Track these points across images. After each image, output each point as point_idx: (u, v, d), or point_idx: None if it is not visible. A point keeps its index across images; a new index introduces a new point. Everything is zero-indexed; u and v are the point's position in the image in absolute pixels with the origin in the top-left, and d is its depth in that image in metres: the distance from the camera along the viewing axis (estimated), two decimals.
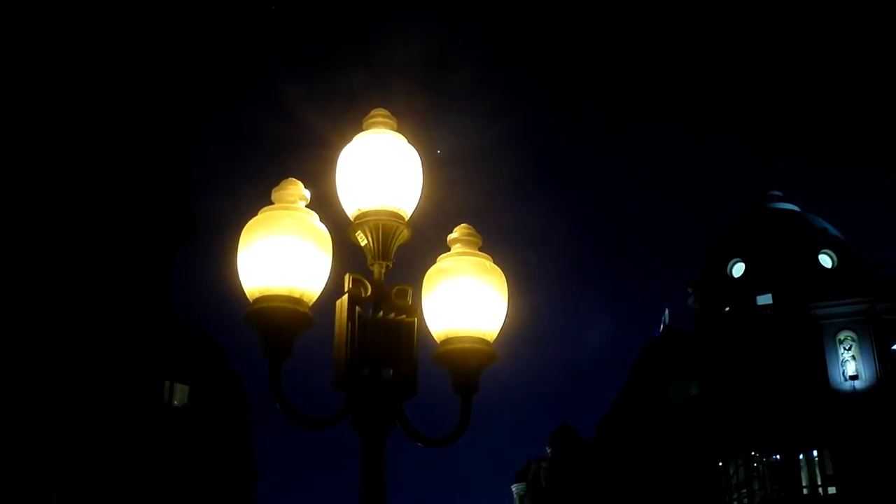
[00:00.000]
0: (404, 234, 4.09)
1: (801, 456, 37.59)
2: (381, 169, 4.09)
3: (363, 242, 4.08)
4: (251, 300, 3.78)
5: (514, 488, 69.38)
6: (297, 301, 3.74)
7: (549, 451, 60.67)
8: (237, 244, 3.90)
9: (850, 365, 37.64)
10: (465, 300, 3.96)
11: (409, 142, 4.25)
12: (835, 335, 38.12)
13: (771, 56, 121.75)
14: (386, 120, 4.24)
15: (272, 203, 3.94)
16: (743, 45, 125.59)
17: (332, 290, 3.94)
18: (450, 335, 3.96)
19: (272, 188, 3.98)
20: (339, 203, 4.18)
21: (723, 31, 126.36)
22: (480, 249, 4.11)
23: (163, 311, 23.27)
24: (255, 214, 3.93)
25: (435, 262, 4.11)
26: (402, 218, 4.09)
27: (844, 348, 37.98)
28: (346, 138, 4.26)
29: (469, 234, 4.11)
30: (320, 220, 3.98)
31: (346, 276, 3.93)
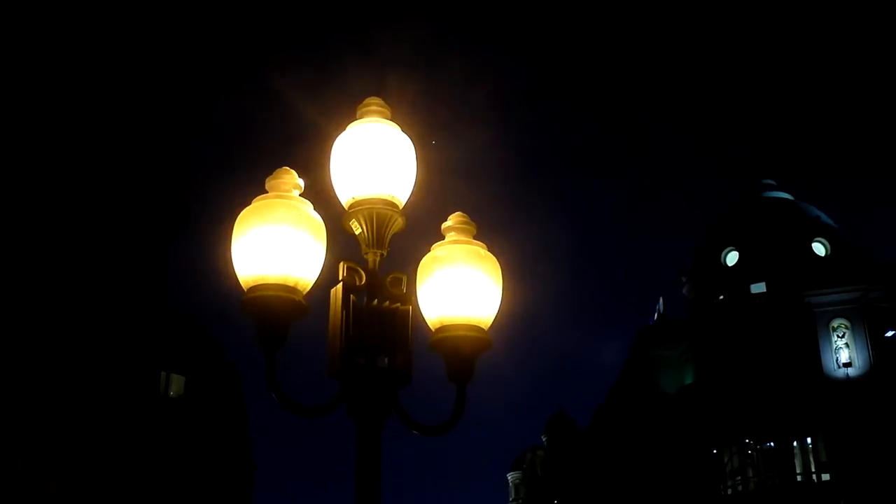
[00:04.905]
0: (398, 222, 4.09)
1: (794, 443, 37.76)
2: (375, 157, 4.08)
3: (357, 231, 4.07)
4: (245, 289, 3.77)
5: (509, 476, 69.65)
6: (292, 289, 3.74)
7: (544, 439, 60.89)
8: (232, 234, 3.90)
9: (844, 352, 37.78)
10: (460, 288, 3.96)
11: (403, 130, 4.24)
12: (828, 323, 38.25)
13: (764, 47, 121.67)
14: (380, 108, 4.23)
15: (266, 192, 3.93)
16: (736, 36, 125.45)
17: (327, 278, 3.94)
18: (444, 323, 3.96)
19: (266, 177, 3.97)
20: (334, 192, 4.17)
21: (718, 24, 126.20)
22: (475, 237, 4.11)
23: (158, 301, 23.24)
24: (250, 204, 3.93)
25: (429, 251, 4.11)
26: (396, 206, 4.09)
27: (838, 336, 38.11)
28: (340, 127, 4.26)
29: (463, 223, 4.12)
30: (314, 208, 3.97)
31: (341, 265, 3.93)
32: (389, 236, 4.08)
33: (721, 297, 42.23)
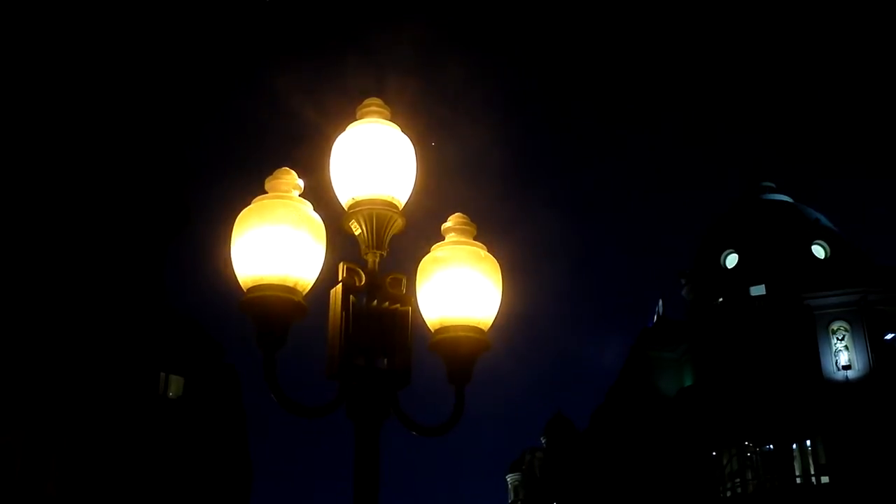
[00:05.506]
0: (398, 223, 4.09)
1: (794, 445, 37.73)
2: (375, 158, 4.08)
3: (357, 231, 4.07)
4: (245, 289, 3.76)
5: (508, 478, 69.54)
6: (291, 290, 3.73)
7: (543, 441, 60.88)
8: (231, 234, 3.89)
9: (843, 355, 37.76)
10: (459, 289, 3.96)
11: (403, 131, 4.24)
12: (828, 325, 38.23)
13: (765, 49, 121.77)
14: (379, 109, 4.23)
15: (266, 192, 3.93)
16: (737, 38, 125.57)
17: (327, 279, 3.93)
18: (444, 323, 3.96)
19: (266, 177, 3.97)
20: (333, 192, 4.17)
21: (719, 25, 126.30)
22: (475, 239, 4.11)
23: (157, 302, 23.23)
24: (249, 204, 3.92)
25: (429, 251, 4.10)
26: (395, 207, 4.09)
27: (837, 338, 38.09)
28: (339, 127, 4.25)
29: (463, 224, 4.11)
30: (314, 209, 3.97)
31: (341, 265, 3.92)
32: (389, 237, 4.07)
33: (720, 299, 42.21)
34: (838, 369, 37.57)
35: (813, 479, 37.18)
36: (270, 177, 3.95)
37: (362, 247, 4.05)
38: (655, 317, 47.37)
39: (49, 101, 19.42)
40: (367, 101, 4.27)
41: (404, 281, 4.01)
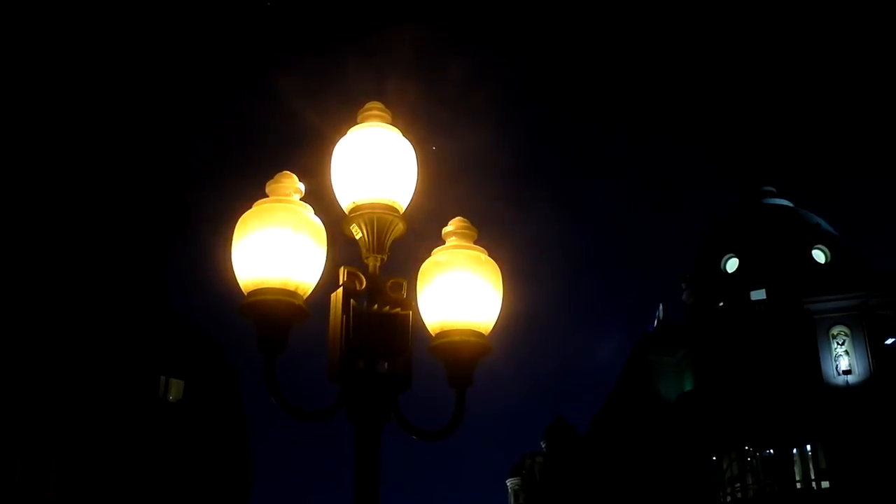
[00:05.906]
0: (399, 227, 4.09)
1: (794, 450, 37.70)
2: (376, 162, 4.09)
3: (358, 235, 4.07)
4: (245, 293, 3.77)
5: (508, 483, 69.49)
6: (292, 293, 3.74)
7: (543, 445, 60.85)
8: (232, 238, 3.90)
9: (843, 360, 37.74)
10: (460, 293, 3.96)
11: (404, 134, 4.24)
12: (828, 330, 38.21)
13: (765, 53, 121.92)
14: (380, 113, 4.24)
15: (266, 196, 3.93)
16: (737, 42, 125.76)
17: (327, 283, 3.94)
18: (444, 327, 3.96)
19: (266, 181, 3.98)
20: (334, 196, 4.18)
21: (719, 29, 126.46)
22: (475, 243, 4.12)
23: (158, 305, 23.24)
24: (250, 207, 3.93)
25: (430, 256, 4.11)
26: (396, 211, 4.09)
27: (837, 343, 38.07)
28: (340, 131, 4.26)
29: (464, 228, 4.12)
30: (315, 213, 3.98)
31: (341, 269, 3.93)
32: (390, 241, 4.08)
33: (721, 303, 42.21)
34: (839, 374, 37.55)
35: (813, 483, 37.14)
36: (271, 180, 3.96)
37: (363, 251, 4.06)
38: (656, 321, 47.36)
39: (49, 102, 19.45)
40: (368, 105, 4.28)
41: (405, 285, 4.02)
